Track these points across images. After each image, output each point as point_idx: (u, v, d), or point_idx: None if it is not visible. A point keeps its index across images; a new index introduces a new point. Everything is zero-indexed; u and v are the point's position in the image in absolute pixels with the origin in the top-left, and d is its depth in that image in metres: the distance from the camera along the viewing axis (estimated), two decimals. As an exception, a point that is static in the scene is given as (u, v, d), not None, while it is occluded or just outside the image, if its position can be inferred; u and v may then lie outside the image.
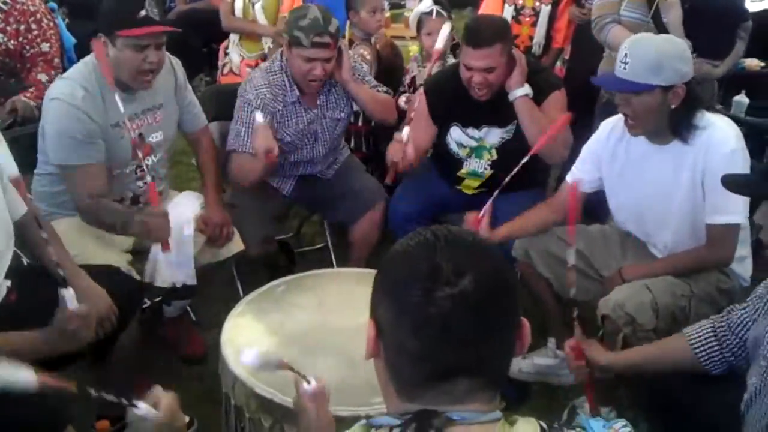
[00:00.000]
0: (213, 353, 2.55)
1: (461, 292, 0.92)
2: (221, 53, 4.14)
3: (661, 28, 3.12)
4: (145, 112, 2.54)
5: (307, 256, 3.54)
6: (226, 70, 4.04)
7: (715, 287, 2.30)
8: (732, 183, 1.71)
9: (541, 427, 0.97)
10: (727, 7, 3.19)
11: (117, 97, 2.31)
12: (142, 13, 2.31)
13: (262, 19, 3.97)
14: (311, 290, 2.32)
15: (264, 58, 3.96)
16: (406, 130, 2.76)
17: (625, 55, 2.14)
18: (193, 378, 2.68)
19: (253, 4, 3.96)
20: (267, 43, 4.01)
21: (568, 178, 2.56)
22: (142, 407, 1.36)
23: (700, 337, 1.87)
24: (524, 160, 2.54)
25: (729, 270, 2.32)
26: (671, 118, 2.18)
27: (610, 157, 2.41)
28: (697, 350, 1.86)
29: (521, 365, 2.70)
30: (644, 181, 2.33)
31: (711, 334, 1.86)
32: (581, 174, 2.50)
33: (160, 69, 2.45)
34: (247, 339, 2.03)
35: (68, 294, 1.89)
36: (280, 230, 3.26)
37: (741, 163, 2.13)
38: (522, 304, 2.63)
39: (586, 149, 2.51)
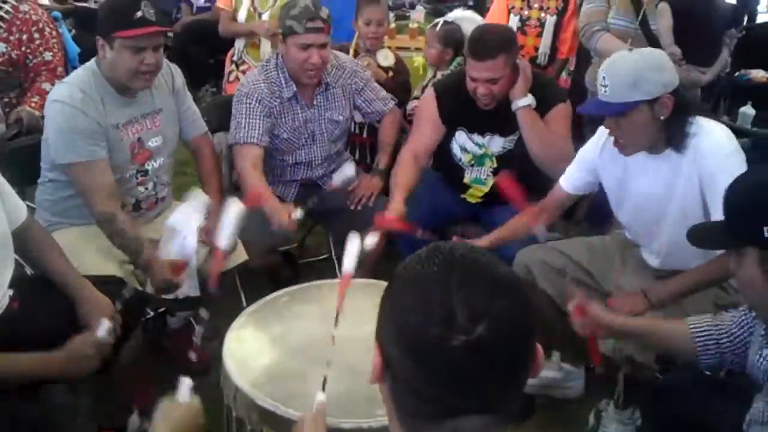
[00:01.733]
0: (215, 364, 2.54)
1: (477, 339, 0.87)
2: (227, 61, 4.13)
3: (649, 35, 3.13)
4: (144, 117, 2.53)
5: (311, 267, 3.53)
6: (232, 78, 4.03)
7: (712, 304, 2.28)
8: (693, 236, 1.69)
9: None
10: (713, 14, 3.20)
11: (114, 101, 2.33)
12: (139, 14, 2.31)
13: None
14: (314, 301, 2.30)
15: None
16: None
17: (603, 77, 2.12)
18: (196, 389, 2.65)
19: (260, 15, 3.95)
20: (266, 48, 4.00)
21: (561, 181, 2.56)
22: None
23: (701, 327, 1.86)
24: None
25: (728, 285, 2.30)
26: (664, 130, 2.15)
27: (609, 162, 2.39)
28: (696, 338, 1.85)
29: (526, 378, 2.68)
30: (640, 188, 2.32)
31: (712, 326, 1.85)
32: (574, 179, 2.52)
33: (158, 71, 2.45)
34: (249, 351, 2.02)
35: (104, 324, 1.94)
36: (284, 241, 3.24)
37: (737, 166, 2.09)
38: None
39: (581, 154, 2.50)
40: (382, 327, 0.96)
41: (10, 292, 1.99)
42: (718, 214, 2.01)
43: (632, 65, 2.08)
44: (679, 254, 2.29)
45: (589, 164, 2.46)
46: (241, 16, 4.01)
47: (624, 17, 3.21)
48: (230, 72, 4.07)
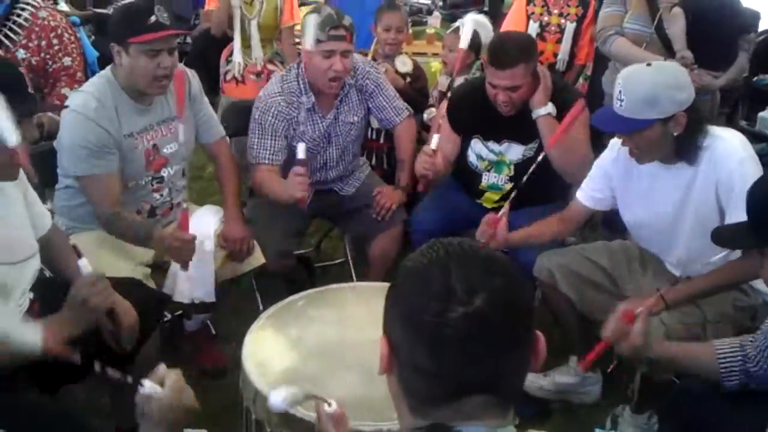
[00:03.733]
0: (232, 366, 2.55)
1: (475, 310, 0.92)
2: (223, 60, 4.09)
3: (664, 39, 3.12)
4: (160, 124, 2.55)
5: (327, 271, 3.54)
6: (228, 77, 4.00)
7: (731, 306, 2.28)
8: (718, 237, 1.69)
9: None
10: (728, 18, 3.18)
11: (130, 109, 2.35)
12: (153, 18, 2.32)
13: (257, 35, 3.95)
14: (331, 304, 2.31)
15: (271, 61, 4.00)
16: (434, 140, 2.76)
17: (620, 91, 2.11)
18: (213, 391, 2.67)
19: (249, 21, 3.95)
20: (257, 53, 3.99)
21: (578, 195, 2.56)
22: (147, 385, 1.34)
23: (726, 349, 1.86)
24: (539, 159, 2.56)
25: (748, 287, 2.29)
26: (675, 145, 2.16)
27: (623, 174, 2.39)
28: (721, 362, 1.85)
29: (542, 383, 2.67)
30: (654, 199, 2.31)
31: (739, 350, 1.85)
32: (591, 192, 2.51)
33: (173, 73, 2.46)
34: (268, 353, 2.03)
35: (82, 263, 1.91)
36: (300, 245, 3.26)
37: (752, 171, 2.09)
38: (543, 322, 2.62)
39: (596, 167, 2.50)
40: (388, 317, 1.01)
41: (31, 294, 2.01)
42: (734, 219, 2.02)
43: (650, 84, 2.07)
44: (699, 263, 2.28)
45: (604, 175, 2.47)
46: (235, 24, 3.98)
47: (640, 21, 3.20)
48: (227, 72, 4.03)
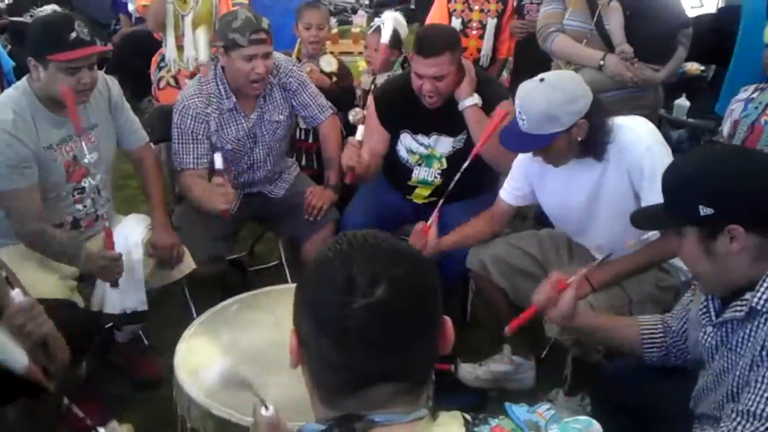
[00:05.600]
0: (168, 377, 2.51)
1: (377, 301, 0.93)
2: (153, 67, 3.99)
3: (604, 35, 3.18)
4: (78, 134, 2.49)
5: (262, 274, 3.52)
6: (162, 84, 3.89)
7: (655, 286, 2.37)
8: (636, 220, 1.75)
9: (465, 419, 0.98)
10: (666, 12, 3.25)
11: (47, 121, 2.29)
12: (73, 35, 2.26)
13: (190, 32, 3.87)
14: (265, 308, 2.29)
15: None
16: (359, 133, 2.78)
17: (520, 112, 2.17)
18: (148, 403, 2.63)
19: (183, 17, 3.88)
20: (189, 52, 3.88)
21: (501, 193, 2.62)
22: None
23: (649, 324, 1.94)
24: (467, 162, 2.59)
25: (669, 265, 2.38)
26: (582, 146, 2.22)
27: (539, 171, 2.45)
28: (644, 335, 1.93)
29: (478, 373, 2.72)
30: (569, 192, 2.38)
31: (660, 324, 1.93)
32: (513, 190, 2.58)
33: (94, 87, 2.41)
34: (201, 360, 2.01)
35: (14, 293, 1.88)
36: (231, 249, 3.22)
37: (661, 155, 2.17)
38: (478, 313, 2.65)
39: (515, 166, 2.56)
40: (295, 311, 1.01)
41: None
42: (649, 203, 2.10)
43: (544, 102, 2.12)
44: (622, 249, 2.35)
45: (523, 173, 2.53)
46: (169, 21, 3.86)
47: (579, 18, 3.23)
48: (160, 78, 3.92)
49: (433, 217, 2.61)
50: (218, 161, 2.61)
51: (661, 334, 1.91)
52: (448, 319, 1.02)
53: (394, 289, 0.94)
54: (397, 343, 0.94)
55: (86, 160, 2.45)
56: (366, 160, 2.77)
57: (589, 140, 2.20)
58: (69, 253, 2.38)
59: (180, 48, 3.84)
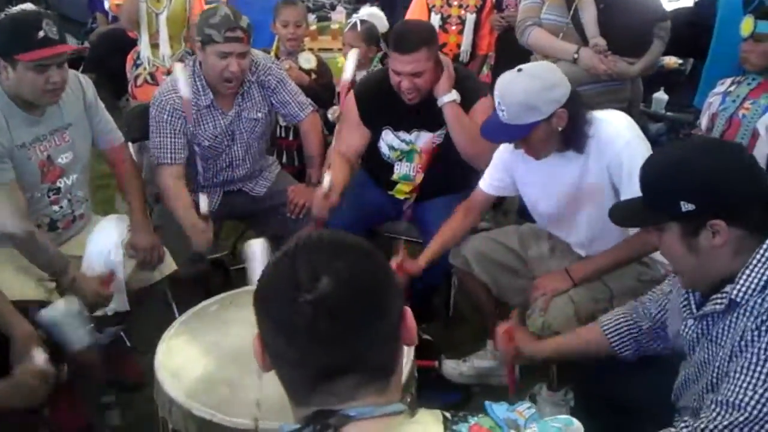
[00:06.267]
0: (149, 379, 2.49)
1: (320, 295, 0.93)
2: (129, 64, 3.95)
3: (580, 29, 3.18)
4: (53, 133, 2.45)
5: (243, 274, 3.49)
6: (140, 81, 3.86)
7: (636, 280, 2.38)
8: (615, 216, 1.75)
9: (444, 416, 0.98)
10: (641, 6, 3.26)
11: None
12: (41, 34, 2.22)
13: (165, 30, 3.83)
14: (246, 307, 2.24)
15: (181, 60, 3.88)
16: (326, 181, 2.76)
17: (499, 102, 2.18)
18: (131, 404, 2.61)
19: (157, 15, 3.85)
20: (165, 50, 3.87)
21: (481, 184, 2.62)
22: None
23: (611, 322, 1.97)
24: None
25: (649, 259, 2.39)
26: (563, 137, 2.23)
27: (521, 163, 2.45)
28: (609, 335, 1.96)
29: (462, 369, 2.72)
30: (551, 185, 2.38)
31: (623, 318, 1.95)
32: (492, 181, 2.58)
33: (64, 87, 2.38)
34: (181, 361, 1.99)
35: (38, 354, 1.92)
36: (214, 249, 3.20)
37: (639, 149, 2.18)
38: (461, 308, 2.66)
39: (496, 157, 2.56)
40: (255, 313, 1.02)
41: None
42: (627, 198, 2.10)
43: (522, 92, 2.13)
44: (602, 243, 2.36)
45: (504, 165, 2.53)
46: (142, 18, 3.83)
47: (556, 12, 3.24)
48: (137, 76, 3.88)
49: (401, 256, 2.57)
50: (203, 204, 2.64)
51: (626, 329, 1.93)
52: (408, 310, 1.03)
53: (337, 283, 0.94)
54: (346, 335, 0.95)
55: (61, 160, 2.42)
56: (336, 202, 2.78)
57: (569, 130, 2.20)
58: (56, 267, 2.36)
59: (155, 46, 3.82)
